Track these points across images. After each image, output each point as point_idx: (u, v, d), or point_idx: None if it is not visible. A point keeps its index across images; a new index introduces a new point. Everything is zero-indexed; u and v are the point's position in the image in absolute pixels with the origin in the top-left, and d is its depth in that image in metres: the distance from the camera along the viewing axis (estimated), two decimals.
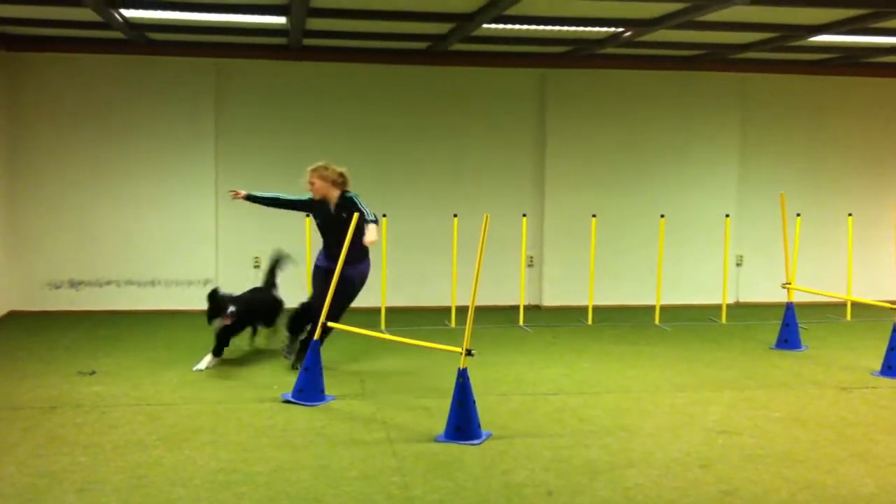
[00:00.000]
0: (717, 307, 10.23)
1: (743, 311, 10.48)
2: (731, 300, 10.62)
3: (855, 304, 10.09)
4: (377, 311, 9.26)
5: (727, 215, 10.08)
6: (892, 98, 11.25)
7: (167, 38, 9.61)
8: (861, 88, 11.16)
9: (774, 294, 9.49)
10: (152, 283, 10.21)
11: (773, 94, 11.09)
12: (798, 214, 9.61)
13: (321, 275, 7.29)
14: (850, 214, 10.16)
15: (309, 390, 6.48)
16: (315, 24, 8.62)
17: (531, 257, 10.74)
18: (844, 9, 7.54)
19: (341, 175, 7.30)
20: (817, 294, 9.36)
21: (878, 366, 7.61)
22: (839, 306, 10.52)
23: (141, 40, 9.52)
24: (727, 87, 10.97)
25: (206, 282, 10.06)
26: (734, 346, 8.71)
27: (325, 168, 7.28)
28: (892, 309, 7.63)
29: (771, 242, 10.42)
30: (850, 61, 10.62)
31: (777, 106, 11.12)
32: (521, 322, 9.65)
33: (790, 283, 8.77)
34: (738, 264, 10.99)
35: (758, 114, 11.09)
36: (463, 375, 5.67)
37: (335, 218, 7.23)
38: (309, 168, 7.31)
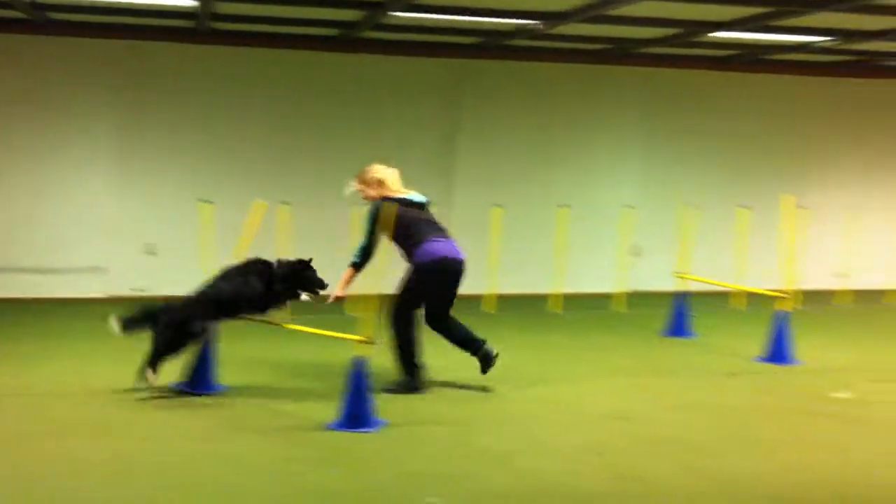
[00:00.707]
0: (614, 295, 10.49)
1: (640, 300, 10.77)
2: (628, 289, 10.88)
3: (746, 293, 10.46)
4: None
5: (627, 206, 10.32)
6: (788, 94, 11.69)
7: (70, 19, 9.33)
8: (758, 85, 11.56)
9: (671, 283, 9.76)
10: (44, 271, 9.91)
11: (677, 89, 11.40)
12: (691, 205, 9.91)
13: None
14: (741, 206, 10.52)
15: (200, 380, 6.39)
16: (224, 7, 8.48)
17: None
18: (747, 6, 7.79)
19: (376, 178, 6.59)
20: (707, 283, 9.67)
21: (762, 353, 7.93)
22: (730, 295, 10.89)
23: (41, 20, 9.22)
24: (633, 82, 11.24)
25: (95, 269, 9.85)
26: (629, 334, 8.95)
27: (364, 171, 6.66)
28: (776, 297, 7.95)
29: (667, 232, 10.72)
30: (751, 58, 10.98)
31: (680, 101, 11.45)
32: None
33: (682, 273, 9.06)
34: (637, 254, 11.27)
35: (659, 108, 11.39)
36: (359, 364, 5.68)
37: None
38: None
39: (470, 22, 8.84)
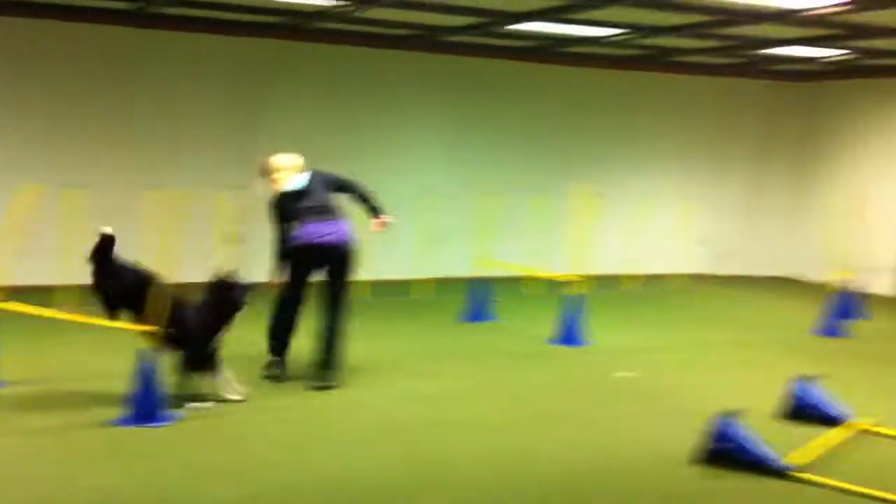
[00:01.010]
0: (415, 281, 10.56)
1: (438, 286, 10.90)
2: (427, 275, 10.99)
3: (540, 278, 10.81)
4: (59, 288, 8.58)
5: (429, 194, 10.42)
6: (585, 86, 12.17)
7: None
8: (558, 76, 11.96)
9: (470, 268, 9.94)
10: None
11: (482, 78, 11.60)
12: (493, 193, 10.13)
13: None
14: (538, 193, 10.88)
15: None
16: None
17: (235, 233, 10.46)
18: None
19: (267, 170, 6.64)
20: (506, 268, 9.93)
21: (555, 335, 8.22)
22: (527, 279, 11.21)
23: None
24: (440, 69, 11.34)
25: None
26: (427, 320, 9.04)
27: (260, 165, 6.70)
28: (569, 281, 8.26)
29: (469, 219, 10.90)
30: (549, 50, 11.31)
31: (484, 90, 11.66)
32: None
33: (481, 258, 9.25)
34: (442, 241, 11.40)
35: (463, 97, 11.56)
36: (147, 356, 5.41)
37: None
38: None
39: (272, 1, 8.61)
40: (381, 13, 8.95)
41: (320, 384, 6.37)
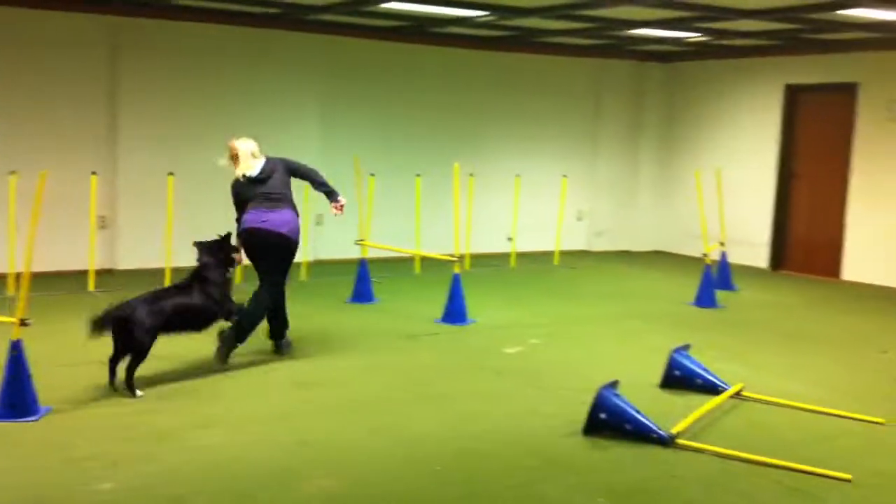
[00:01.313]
0: (298, 264, 10.40)
1: (323, 269, 10.80)
2: (311, 258, 10.87)
3: (423, 258, 10.85)
4: None
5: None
6: (458, 66, 12.20)
7: None
8: (428, 56, 11.95)
9: (352, 251, 9.87)
10: None
11: (351, 58, 11.47)
12: (372, 174, 10.08)
13: None
14: (418, 174, 10.87)
15: None
16: None
17: (103, 218, 10.09)
18: None
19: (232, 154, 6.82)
20: (388, 249, 9.91)
21: (440, 314, 8.25)
22: (410, 260, 11.24)
23: None
24: (307, 49, 11.13)
25: None
26: (313, 303, 8.93)
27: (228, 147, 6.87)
28: (451, 261, 8.29)
29: (351, 201, 10.79)
30: (419, 30, 11.30)
31: (358, 70, 11.53)
32: (91, 287, 9.04)
33: (363, 240, 9.19)
34: (318, 223, 11.27)
35: (337, 77, 11.41)
36: (17, 348, 5.15)
37: None
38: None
39: None
40: None
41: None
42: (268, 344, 7.00)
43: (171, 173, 9.47)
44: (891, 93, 10.84)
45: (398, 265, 11.11)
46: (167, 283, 9.38)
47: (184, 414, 5.42)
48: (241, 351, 6.66)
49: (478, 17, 9.89)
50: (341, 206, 7.07)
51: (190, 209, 10.26)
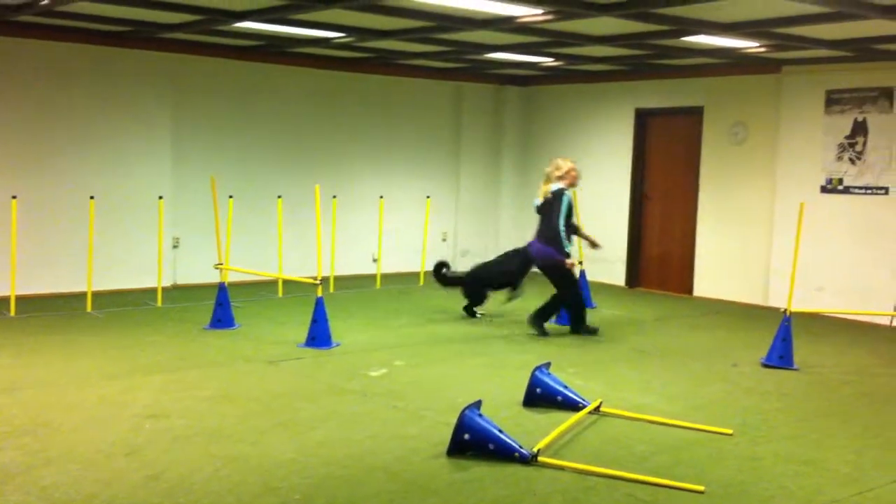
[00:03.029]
0: (154, 290, 10.05)
1: (180, 294, 10.46)
2: (167, 283, 10.51)
3: (286, 281, 10.66)
4: None
5: (161, 197, 9.94)
6: (318, 87, 12.09)
7: None
8: (288, 76, 11.80)
9: (211, 275, 9.60)
10: None
11: (205, 77, 11.20)
12: (231, 196, 9.85)
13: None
14: (279, 196, 10.69)
15: None
16: None
17: None
18: None
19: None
20: (249, 273, 9.69)
21: (303, 338, 8.11)
22: (272, 284, 11.02)
23: None
24: (159, 68, 10.78)
25: None
26: (169, 329, 8.62)
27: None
28: (314, 284, 8.17)
29: (207, 224, 10.52)
30: (276, 49, 11.15)
31: (209, 89, 11.25)
32: None
33: (222, 264, 8.95)
34: (175, 246, 10.93)
35: (190, 96, 11.11)
36: None
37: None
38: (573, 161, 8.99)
39: None
40: (84, 7, 8.38)
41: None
42: (124, 372, 6.69)
43: (14, 196, 8.99)
44: (733, 116, 11.41)
45: (260, 289, 10.87)
46: (12, 311, 8.90)
47: (28, 451, 5.09)
48: (100, 382, 6.33)
49: (335, 38, 9.84)
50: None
51: (38, 235, 9.77)
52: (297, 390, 6.66)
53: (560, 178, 8.81)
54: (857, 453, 5.59)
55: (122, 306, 9.67)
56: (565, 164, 8.86)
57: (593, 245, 9.23)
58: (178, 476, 4.81)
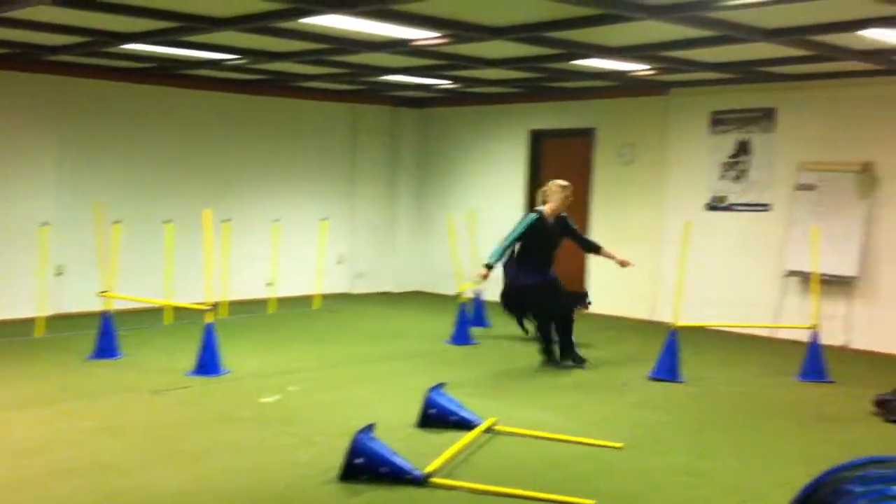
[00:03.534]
0: (33, 320, 9.62)
1: (63, 323, 10.04)
2: (50, 311, 10.08)
3: (176, 308, 10.36)
4: None
5: (45, 223, 9.56)
6: (210, 109, 11.84)
7: None
8: (180, 98, 11.54)
9: (97, 303, 9.25)
10: None
11: (93, 100, 10.84)
12: (117, 221, 9.54)
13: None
14: (167, 221, 10.42)
15: None
16: None
17: None
18: (155, 20, 7.60)
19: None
20: (134, 300, 9.39)
21: (192, 366, 7.88)
22: (161, 311, 10.70)
23: None
24: (43, 91, 10.40)
25: None
26: (49, 360, 8.25)
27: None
28: (203, 310, 7.96)
29: (93, 250, 10.16)
30: (167, 72, 10.90)
31: (97, 112, 10.89)
32: None
33: (107, 291, 8.64)
34: (59, 274, 10.51)
35: (77, 120, 10.73)
36: None
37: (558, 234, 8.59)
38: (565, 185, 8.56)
39: None
40: None
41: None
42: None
43: None
44: (623, 137, 11.69)
45: (149, 317, 10.54)
46: None
47: None
48: None
49: (228, 59, 9.68)
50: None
51: None
52: (184, 420, 6.45)
53: (544, 200, 8.61)
54: (741, 462, 5.73)
55: (2, 336, 9.22)
56: (548, 187, 8.63)
57: (623, 264, 8.66)
58: None
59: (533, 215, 8.51)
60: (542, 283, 8.52)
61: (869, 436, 6.44)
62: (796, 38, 7.45)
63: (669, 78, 10.46)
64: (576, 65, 9.55)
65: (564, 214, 8.62)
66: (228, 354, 8.23)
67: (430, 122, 13.90)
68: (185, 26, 7.76)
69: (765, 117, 10.50)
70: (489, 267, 8.26)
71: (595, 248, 8.82)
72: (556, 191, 8.54)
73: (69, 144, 10.67)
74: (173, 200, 11.43)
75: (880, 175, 9.59)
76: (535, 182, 12.67)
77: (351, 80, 11.57)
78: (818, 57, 8.39)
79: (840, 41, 7.70)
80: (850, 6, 6.38)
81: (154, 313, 10.59)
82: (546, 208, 8.52)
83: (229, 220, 11.16)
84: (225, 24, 7.55)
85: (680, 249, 8.62)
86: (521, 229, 8.43)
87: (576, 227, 8.78)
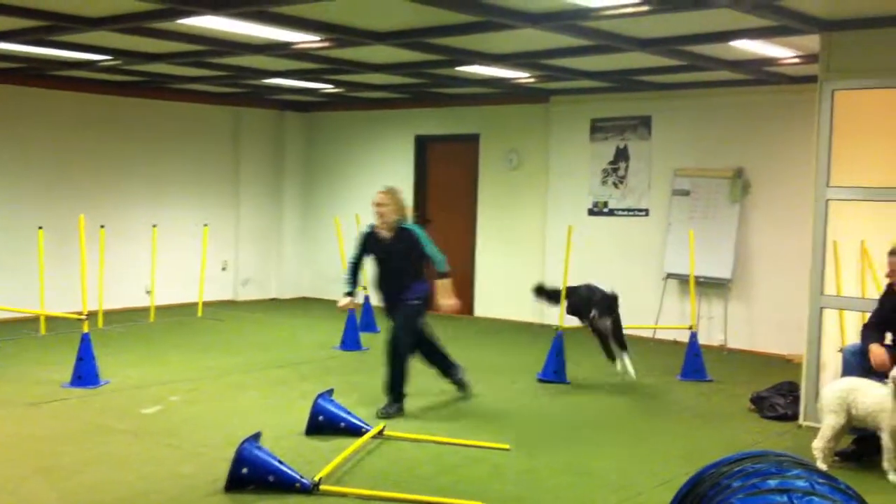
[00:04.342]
0: None
1: None
2: None
3: (50, 318, 9.95)
4: None
5: None
6: (82, 111, 11.41)
7: None
8: (50, 100, 11.08)
9: None
10: None
11: None
12: None
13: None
14: (40, 227, 9.99)
15: None
16: None
17: None
18: (20, 18, 7.28)
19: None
20: (7, 310, 8.99)
21: (69, 377, 7.58)
22: (35, 321, 10.24)
23: None
24: None
25: None
26: None
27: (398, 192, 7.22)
28: (79, 319, 7.67)
29: None
30: (36, 72, 10.46)
31: None
32: None
33: None
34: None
35: None
36: None
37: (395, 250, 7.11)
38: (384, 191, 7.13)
39: None
40: None
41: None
42: None
43: None
44: (507, 143, 11.86)
45: (22, 327, 10.08)
46: None
47: None
48: None
49: (101, 60, 9.36)
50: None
51: None
52: (60, 433, 6.20)
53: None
54: (625, 461, 5.90)
55: None
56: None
57: (438, 308, 7.49)
58: None
59: (364, 230, 7.38)
60: (386, 309, 7.28)
61: (746, 432, 6.72)
62: (670, 48, 7.72)
63: (550, 86, 10.68)
64: (459, 71, 9.64)
65: (409, 226, 7.19)
66: (108, 365, 7.96)
67: (317, 126, 13.78)
68: (55, 26, 7.46)
69: (641, 125, 10.85)
70: (349, 294, 7.35)
71: (437, 273, 7.33)
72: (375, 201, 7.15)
73: None
74: (46, 206, 10.97)
75: (751, 180, 10.03)
76: (423, 187, 12.75)
77: (233, 83, 11.36)
78: (690, 66, 8.72)
79: (711, 52, 8.03)
80: (720, 18, 6.65)
81: (28, 323, 10.14)
82: (377, 221, 7.18)
83: (104, 225, 10.78)
84: (97, 24, 7.29)
85: (563, 253, 8.78)
86: (354, 247, 7.39)
87: (426, 242, 7.18)
